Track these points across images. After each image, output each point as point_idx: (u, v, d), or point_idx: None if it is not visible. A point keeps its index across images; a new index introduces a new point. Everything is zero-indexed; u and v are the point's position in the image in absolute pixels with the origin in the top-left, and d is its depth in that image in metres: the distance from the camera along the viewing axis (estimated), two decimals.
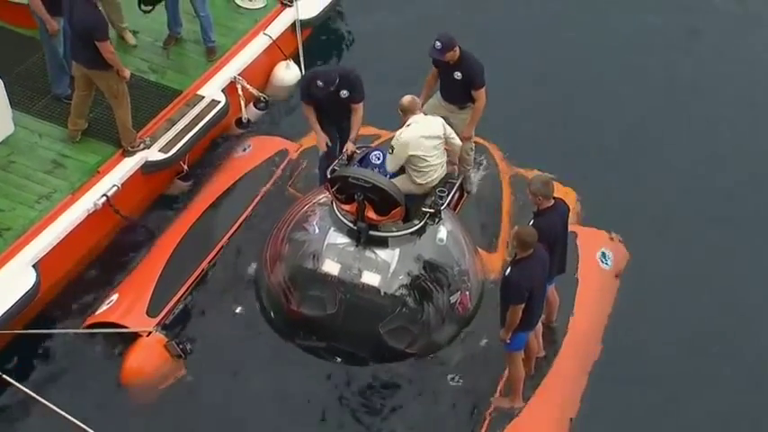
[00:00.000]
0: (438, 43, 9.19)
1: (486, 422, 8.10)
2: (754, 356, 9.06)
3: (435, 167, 8.58)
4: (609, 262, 9.45)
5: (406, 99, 8.68)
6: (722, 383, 8.84)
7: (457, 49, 9.24)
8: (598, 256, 9.43)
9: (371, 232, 8.37)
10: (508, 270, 7.61)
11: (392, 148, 8.51)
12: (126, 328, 8.47)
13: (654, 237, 9.92)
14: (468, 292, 8.73)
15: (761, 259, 9.90)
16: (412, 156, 8.46)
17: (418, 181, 8.58)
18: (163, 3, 10.69)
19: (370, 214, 8.29)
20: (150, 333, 8.47)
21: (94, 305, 8.97)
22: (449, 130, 8.73)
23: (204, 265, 9.15)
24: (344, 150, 8.96)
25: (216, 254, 9.27)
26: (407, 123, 8.56)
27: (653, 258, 9.65)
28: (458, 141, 8.81)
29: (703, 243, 9.97)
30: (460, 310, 8.68)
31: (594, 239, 9.55)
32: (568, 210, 8.24)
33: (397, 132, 8.56)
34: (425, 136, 8.49)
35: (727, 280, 9.64)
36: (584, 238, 9.44)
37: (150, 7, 10.75)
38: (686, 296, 9.45)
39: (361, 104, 9.22)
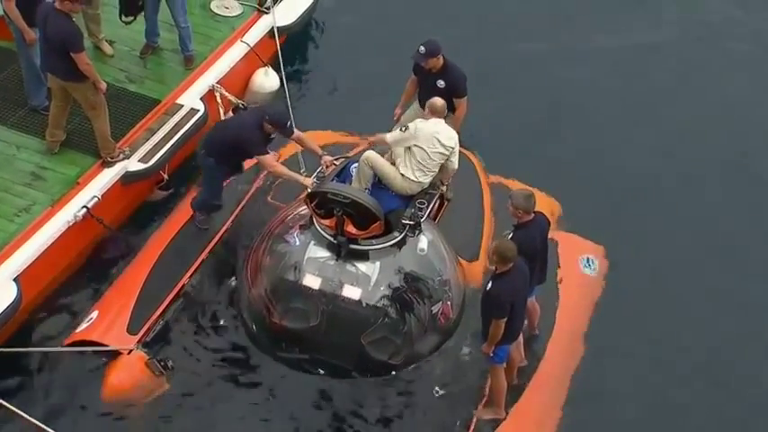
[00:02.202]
0: (422, 48, 9.27)
1: None
2: (738, 358, 9.19)
3: (427, 170, 8.69)
4: (592, 268, 9.55)
5: (439, 102, 8.82)
6: (706, 386, 8.95)
7: (440, 57, 9.33)
8: (581, 262, 9.53)
9: (352, 246, 8.40)
10: (489, 285, 7.67)
11: (406, 128, 8.63)
12: (107, 346, 8.43)
13: (636, 243, 10.01)
14: (449, 302, 8.78)
15: (744, 262, 10.02)
16: (416, 146, 8.58)
17: (407, 174, 8.67)
18: (142, 13, 10.67)
19: (350, 229, 8.32)
20: (131, 351, 8.44)
21: (76, 318, 8.95)
22: (457, 149, 8.85)
23: (184, 279, 9.12)
24: (322, 163, 8.98)
25: (196, 267, 9.23)
26: (434, 123, 8.71)
27: (635, 264, 9.75)
28: (455, 165, 8.92)
29: (684, 249, 10.08)
30: (442, 320, 8.74)
31: (577, 246, 9.63)
32: (548, 224, 8.32)
33: (419, 119, 8.72)
34: (439, 139, 8.64)
35: (708, 285, 9.75)
36: (566, 244, 9.52)
37: (131, 18, 10.73)
38: (668, 301, 9.56)
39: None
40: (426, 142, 8.61)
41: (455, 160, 8.89)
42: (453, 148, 8.80)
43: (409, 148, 8.63)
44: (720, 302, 9.63)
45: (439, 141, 8.65)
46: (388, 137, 8.70)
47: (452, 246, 9.15)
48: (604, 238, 9.83)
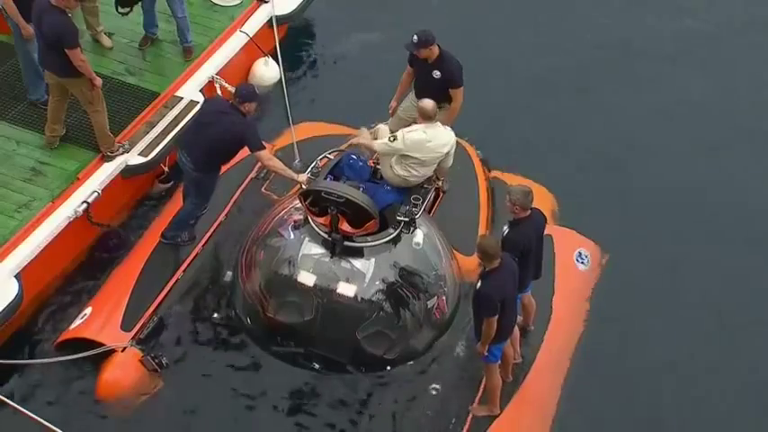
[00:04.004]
0: (415, 37, 9.13)
1: (465, 430, 8.18)
2: (733, 354, 9.15)
3: (418, 173, 8.59)
4: (586, 262, 9.52)
5: (429, 104, 8.53)
6: (700, 382, 8.94)
7: (435, 47, 9.16)
8: (575, 256, 9.51)
9: (346, 243, 8.36)
10: (479, 284, 7.63)
11: (395, 138, 8.44)
12: (101, 344, 8.45)
13: (632, 237, 9.97)
14: (445, 297, 8.77)
15: (739, 259, 9.96)
16: (407, 155, 8.48)
17: (397, 171, 8.59)
18: (140, 4, 10.64)
19: (344, 227, 8.27)
20: (125, 348, 8.47)
21: (74, 317, 8.97)
22: (452, 149, 8.70)
23: (178, 273, 9.12)
24: (317, 159, 8.90)
25: (190, 261, 9.23)
26: (423, 129, 8.49)
27: (630, 258, 9.71)
28: (448, 164, 8.81)
29: (682, 243, 10.04)
30: (438, 314, 8.73)
31: (571, 240, 9.60)
32: (545, 221, 8.25)
33: (408, 128, 8.55)
34: (432, 146, 8.50)
35: (706, 280, 9.72)
36: (561, 238, 9.47)
37: (128, 9, 10.69)
38: (664, 295, 9.53)
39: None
40: (416, 151, 8.44)
41: (450, 161, 8.76)
42: (449, 152, 8.64)
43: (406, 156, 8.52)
44: (718, 297, 9.60)
45: (430, 148, 8.47)
46: (377, 146, 8.55)
47: (449, 239, 9.11)
48: (600, 234, 9.79)
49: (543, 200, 9.58)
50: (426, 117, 8.52)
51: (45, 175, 9.50)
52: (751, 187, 10.74)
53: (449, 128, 8.77)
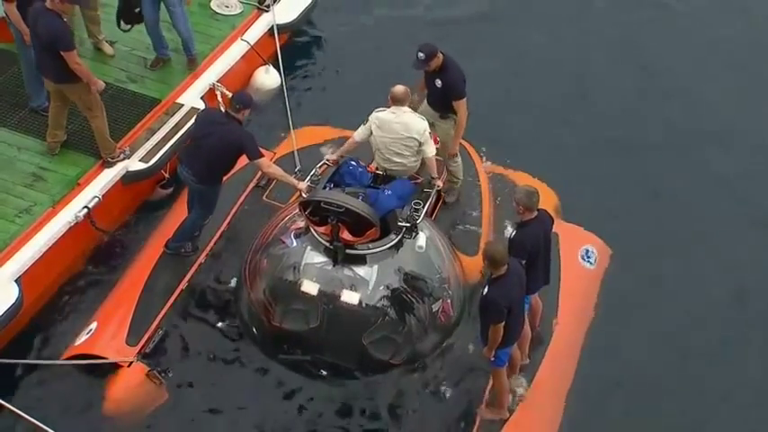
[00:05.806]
0: (421, 54, 9.02)
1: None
2: (738, 355, 9.17)
3: (397, 157, 8.61)
4: (592, 260, 9.49)
5: (399, 89, 8.67)
6: (705, 384, 8.92)
7: (440, 55, 9.10)
8: (580, 254, 9.47)
9: (348, 251, 8.32)
10: (486, 290, 7.57)
11: (367, 120, 8.69)
12: (107, 359, 8.41)
13: (637, 235, 9.98)
14: (449, 300, 8.74)
15: (745, 257, 9.99)
16: (379, 136, 8.57)
17: (379, 162, 8.68)
18: (143, 25, 10.58)
19: (345, 235, 8.23)
20: (131, 363, 8.42)
21: (79, 319, 8.93)
22: (427, 138, 8.69)
23: (182, 284, 9.06)
24: (316, 167, 8.91)
25: (194, 272, 9.18)
26: (390, 111, 8.66)
27: (635, 257, 9.71)
28: (429, 153, 8.76)
29: (688, 240, 10.05)
30: (443, 318, 8.70)
31: (576, 237, 9.56)
32: (552, 222, 8.19)
33: (377, 109, 8.72)
34: (398, 128, 8.56)
35: (712, 278, 9.72)
36: (566, 235, 9.42)
37: (129, 26, 10.70)
38: (669, 294, 9.53)
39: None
40: (384, 130, 8.59)
41: (427, 149, 8.70)
42: (420, 137, 8.61)
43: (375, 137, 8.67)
44: (719, 296, 9.61)
45: (399, 129, 8.56)
46: (356, 133, 8.78)
47: (451, 241, 9.09)
48: (605, 230, 9.78)
49: (546, 197, 9.50)
50: (396, 100, 8.68)
51: (46, 180, 9.47)
52: (759, 181, 10.78)
53: (423, 118, 8.83)
